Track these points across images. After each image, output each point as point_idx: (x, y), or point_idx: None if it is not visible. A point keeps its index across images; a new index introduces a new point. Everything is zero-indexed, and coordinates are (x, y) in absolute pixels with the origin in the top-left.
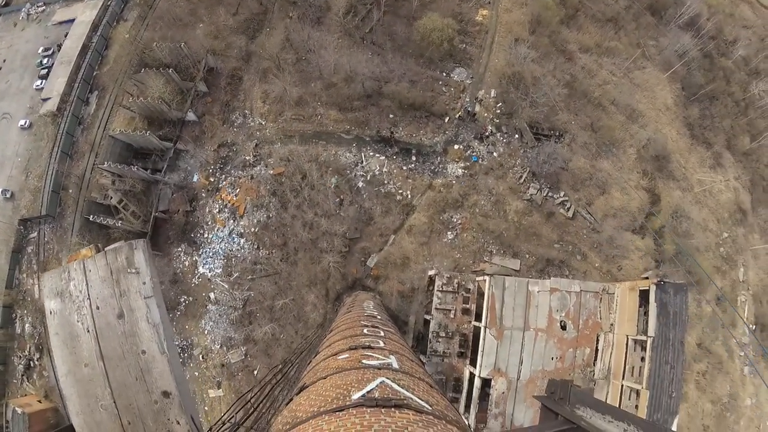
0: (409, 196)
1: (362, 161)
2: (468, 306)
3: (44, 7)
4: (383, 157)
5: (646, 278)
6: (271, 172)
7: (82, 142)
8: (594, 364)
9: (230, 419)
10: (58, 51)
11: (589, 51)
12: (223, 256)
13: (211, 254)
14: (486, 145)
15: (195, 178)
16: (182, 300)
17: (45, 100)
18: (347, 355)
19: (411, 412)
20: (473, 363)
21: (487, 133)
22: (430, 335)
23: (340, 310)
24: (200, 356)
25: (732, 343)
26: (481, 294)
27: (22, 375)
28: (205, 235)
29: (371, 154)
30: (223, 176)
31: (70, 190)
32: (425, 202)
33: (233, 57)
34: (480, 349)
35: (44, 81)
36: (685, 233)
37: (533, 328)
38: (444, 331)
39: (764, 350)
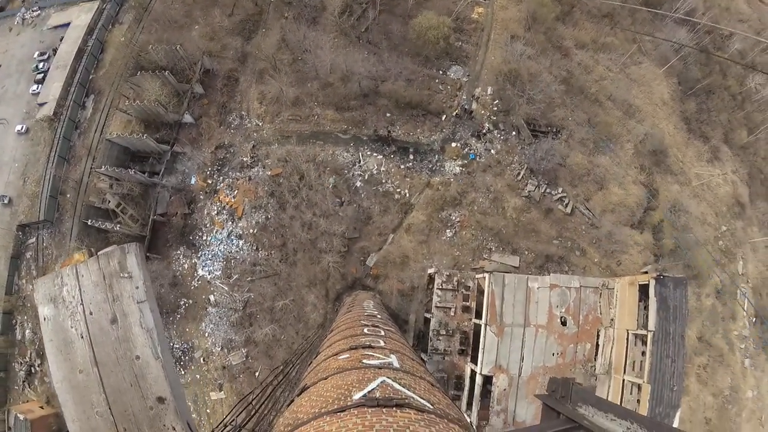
0: (407, 195)
1: (360, 161)
2: (468, 303)
3: (39, 12)
4: (381, 157)
5: (646, 273)
6: (269, 173)
7: (79, 146)
8: (595, 359)
9: (232, 421)
10: (54, 55)
11: (585, 47)
12: (222, 258)
13: (210, 256)
14: (483, 143)
15: (193, 181)
16: (182, 303)
17: (41, 104)
18: (348, 355)
19: (412, 411)
20: (474, 360)
21: (484, 131)
22: (430, 333)
23: (340, 310)
24: (201, 359)
25: (732, 336)
26: (480, 291)
27: (24, 381)
28: (204, 238)
29: (369, 153)
30: (221, 178)
31: (68, 195)
32: (423, 201)
33: (229, 58)
34: (481, 346)
35: (40, 86)
36: (684, 227)
37: (533, 325)
38: (444, 329)
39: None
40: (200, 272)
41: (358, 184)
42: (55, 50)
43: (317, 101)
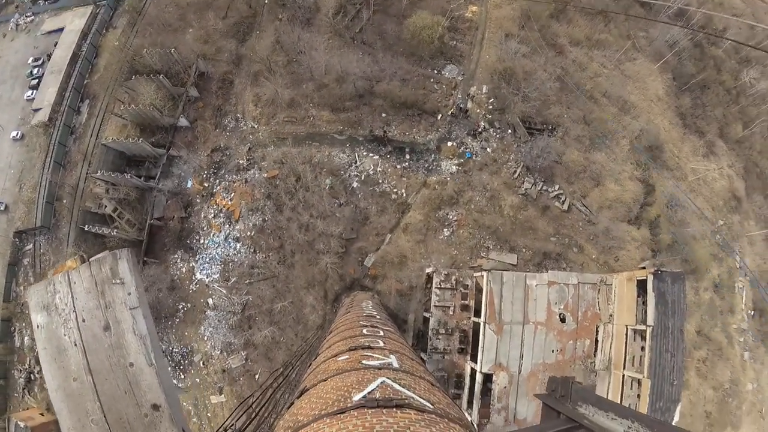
0: (404, 195)
1: (356, 161)
2: (467, 302)
3: (33, 17)
4: (377, 157)
5: (643, 268)
6: (265, 175)
7: (75, 151)
8: (594, 355)
9: (232, 425)
10: (48, 61)
11: (579, 44)
12: (220, 261)
13: (207, 260)
14: (479, 141)
15: (189, 184)
16: (181, 307)
17: (36, 110)
18: (347, 356)
19: (413, 411)
20: (474, 359)
21: (479, 129)
22: (429, 333)
23: (339, 311)
24: (201, 363)
25: (731, 329)
26: (479, 290)
27: (23, 388)
28: (201, 241)
29: (365, 153)
30: (217, 181)
31: (65, 201)
32: (420, 200)
33: (224, 61)
34: (480, 344)
35: (35, 91)
36: (681, 222)
37: (532, 322)
38: (444, 328)
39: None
40: (198, 276)
41: (355, 184)
42: (49, 55)
43: (312, 102)
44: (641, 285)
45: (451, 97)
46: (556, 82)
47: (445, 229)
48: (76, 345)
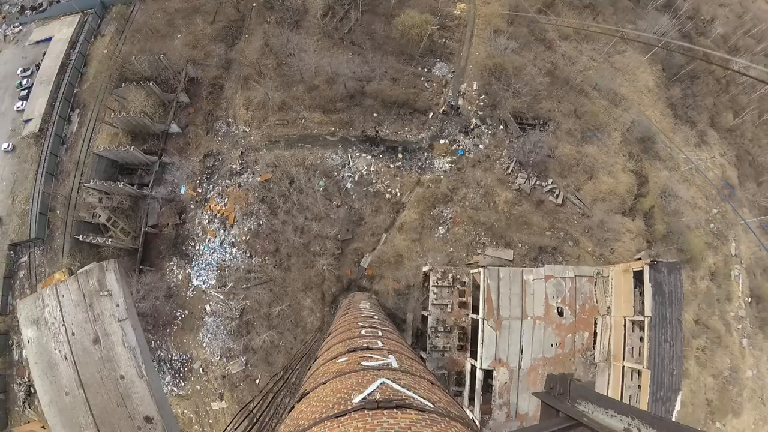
0: (398, 194)
1: (349, 162)
2: (464, 299)
3: (20, 27)
4: (370, 157)
5: (639, 259)
6: (259, 178)
7: (67, 161)
8: (594, 348)
9: (234, 430)
10: (37, 71)
11: (568, 38)
12: (216, 267)
13: (203, 266)
14: (471, 138)
15: (182, 191)
16: (178, 314)
17: (27, 121)
18: (346, 358)
19: (413, 411)
20: (474, 355)
21: (471, 126)
22: (428, 331)
23: (337, 312)
24: (201, 369)
25: (729, 317)
26: (476, 286)
27: (24, 402)
28: (197, 247)
29: (357, 154)
30: (211, 186)
31: (58, 211)
32: (415, 199)
33: (213, 66)
34: (479, 341)
35: (25, 102)
36: (675, 212)
37: (531, 317)
38: (442, 326)
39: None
40: (195, 282)
41: (349, 185)
42: (38, 66)
43: (304, 104)
44: (638, 276)
45: (441, 94)
46: (547, 77)
47: (441, 227)
48: (66, 359)
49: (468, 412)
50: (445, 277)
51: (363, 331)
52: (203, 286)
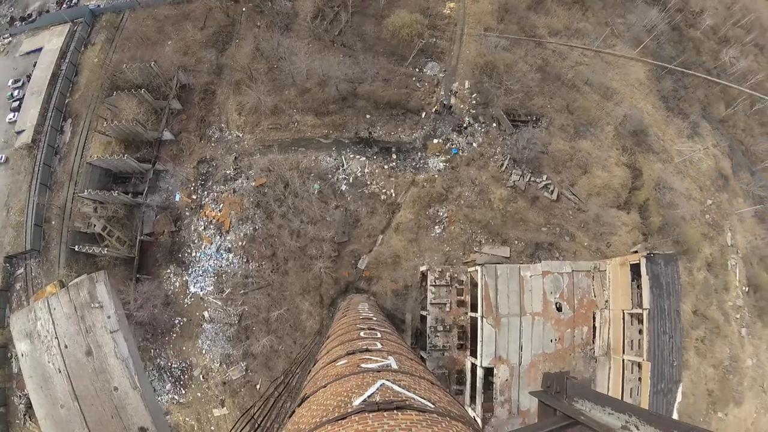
0: (394, 195)
1: (343, 164)
2: (462, 298)
3: (10, 39)
4: (364, 158)
5: (636, 252)
6: (253, 183)
7: (61, 171)
8: (593, 342)
9: None
10: (28, 82)
11: (558, 34)
12: (213, 273)
13: (200, 272)
14: (465, 137)
15: (177, 198)
16: (177, 321)
17: (19, 132)
18: (345, 361)
19: (414, 412)
20: (474, 354)
21: (464, 125)
22: (428, 331)
23: (335, 315)
24: (201, 376)
25: (727, 307)
26: (474, 284)
27: (24, 414)
28: (193, 254)
29: (351, 156)
30: (205, 192)
31: (53, 222)
32: (410, 199)
33: (204, 71)
34: (479, 339)
35: (17, 114)
36: (670, 204)
37: (529, 313)
38: (441, 325)
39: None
40: (192, 289)
41: (344, 187)
42: (29, 76)
43: (296, 108)
44: (635, 269)
45: (434, 94)
46: (538, 73)
47: (437, 227)
48: (60, 372)
49: (470, 410)
50: (442, 276)
51: (362, 333)
52: (201, 293)
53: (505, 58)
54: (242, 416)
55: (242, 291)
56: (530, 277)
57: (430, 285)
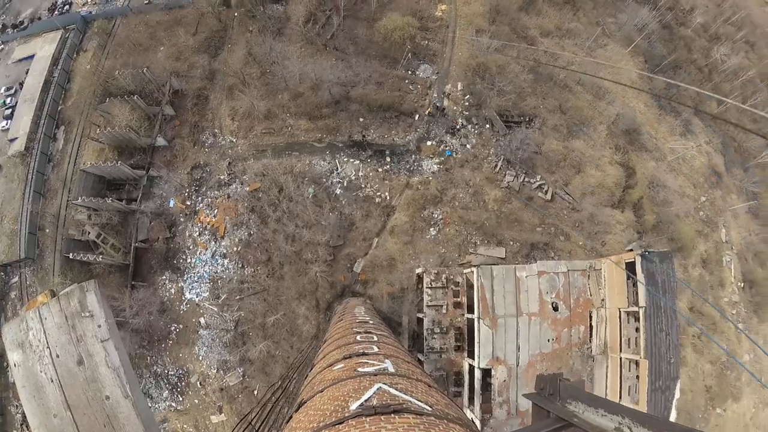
0: (388, 198)
1: (337, 168)
2: (459, 299)
3: (2, 46)
4: (358, 162)
5: (631, 250)
6: (247, 188)
7: (54, 179)
8: (590, 341)
9: None
10: (21, 89)
11: (550, 34)
12: (209, 279)
13: (196, 279)
14: (458, 138)
15: (171, 204)
16: (173, 328)
17: (12, 140)
18: (342, 365)
19: (411, 415)
20: (471, 355)
21: (458, 127)
22: (425, 333)
23: (332, 319)
24: (198, 383)
25: (723, 303)
26: (470, 286)
27: (21, 424)
28: (188, 260)
29: (345, 159)
30: (200, 198)
31: (47, 230)
32: (404, 202)
33: (197, 77)
34: (476, 340)
35: (9, 121)
36: (664, 202)
37: (526, 313)
38: (438, 327)
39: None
40: (188, 295)
41: (338, 191)
42: (21, 84)
43: (289, 112)
44: (630, 267)
45: (427, 96)
46: (530, 74)
47: (432, 229)
48: (52, 381)
49: (468, 412)
50: (438, 278)
51: (358, 337)
52: (197, 299)
53: (497, 59)
54: (240, 422)
55: (238, 296)
56: (526, 277)
57: (426, 287)
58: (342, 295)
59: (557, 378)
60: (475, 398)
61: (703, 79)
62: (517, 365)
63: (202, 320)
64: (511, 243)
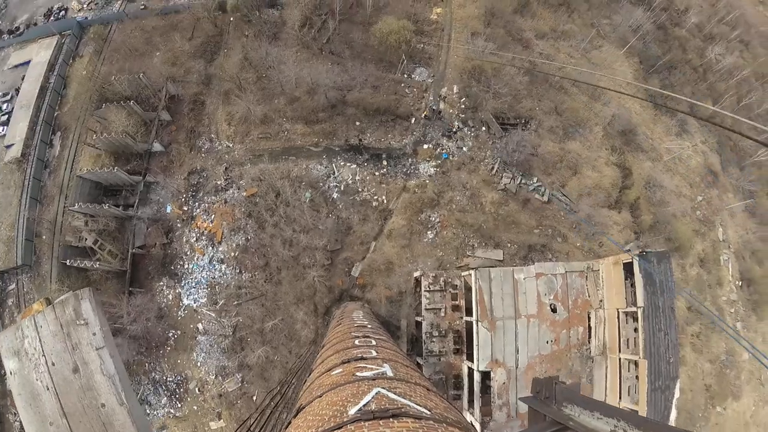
0: (385, 201)
1: (334, 172)
2: (457, 302)
3: None
4: (354, 166)
5: (628, 251)
6: (244, 193)
7: (51, 185)
8: (589, 342)
9: None
10: (17, 95)
11: (545, 36)
12: (206, 285)
13: (193, 284)
14: (455, 141)
15: (168, 209)
16: (171, 334)
17: (8, 146)
18: (341, 370)
19: (410, 419)
20: (470, 358)
21: (454, 129)
22: (423, 336)
23: (330, 323)
24: (196, 389)
25: (721, 302)
26: (468, 288)
27: None
28: (186, 266)
29: (342, 163)
30: (197, 204)
31: (44, 237)
32: (401, 205)
33: (193, 82)
34: (475, 343)
35: (5, 127)
36: (660, 202)
37: (524, 315)
38: (437, 330)
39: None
40: (185, 301)
41: (335, 195)
42: (17, 90)
43: (286, 117)
44: (628, 268)
45: (423, 99)
46: (526, 76)
47: (429, 232)
48: (48, 389)
49: (468, 415)
50: (436, 281)
51: (357, 341)
52: (194, 305)
53: (492, 62)
54: (239, 428)
55: (236, 302)
56: (524, 279)
57: (425, 290)
58: (340, 300)
59: (553, 381)
60: (475, 401)
61: (698, 79)
62: (517, 367)
63: (200, 326)
64: (509, 245)
